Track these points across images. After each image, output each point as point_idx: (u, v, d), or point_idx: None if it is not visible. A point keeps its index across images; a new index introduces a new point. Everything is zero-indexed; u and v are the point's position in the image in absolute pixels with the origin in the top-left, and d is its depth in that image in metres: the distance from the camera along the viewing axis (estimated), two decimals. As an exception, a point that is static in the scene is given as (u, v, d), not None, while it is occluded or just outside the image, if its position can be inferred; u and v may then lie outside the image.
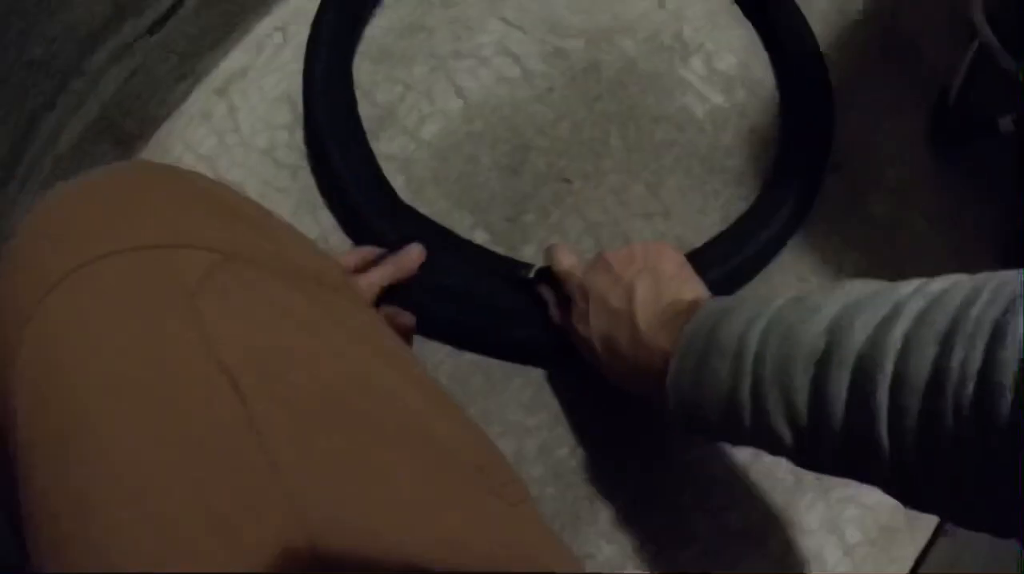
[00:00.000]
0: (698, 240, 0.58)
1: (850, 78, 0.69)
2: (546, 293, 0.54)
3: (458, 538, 0.29)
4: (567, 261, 0.51)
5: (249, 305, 0.30)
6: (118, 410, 0.26)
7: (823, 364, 0.32)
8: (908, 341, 0.30)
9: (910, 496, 0.32)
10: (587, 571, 0.37)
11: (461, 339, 0.56)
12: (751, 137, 0.62)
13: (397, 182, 0.58)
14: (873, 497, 0.61)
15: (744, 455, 0.59)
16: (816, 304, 0.34)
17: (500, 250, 0.56)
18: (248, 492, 0.26)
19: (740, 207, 0.60)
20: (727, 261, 0.57)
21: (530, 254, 0.58)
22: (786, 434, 0.35)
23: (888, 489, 0.33)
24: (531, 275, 0.54)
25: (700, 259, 0.56)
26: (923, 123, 0.70)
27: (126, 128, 0.67)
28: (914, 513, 0.61)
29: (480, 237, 0.57)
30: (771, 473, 0.59)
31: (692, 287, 0.45)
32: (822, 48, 0.68)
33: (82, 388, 0.26)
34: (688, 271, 0.47)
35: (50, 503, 0.26)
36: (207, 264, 0.30)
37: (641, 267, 0.46)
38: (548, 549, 0.34)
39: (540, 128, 0.59)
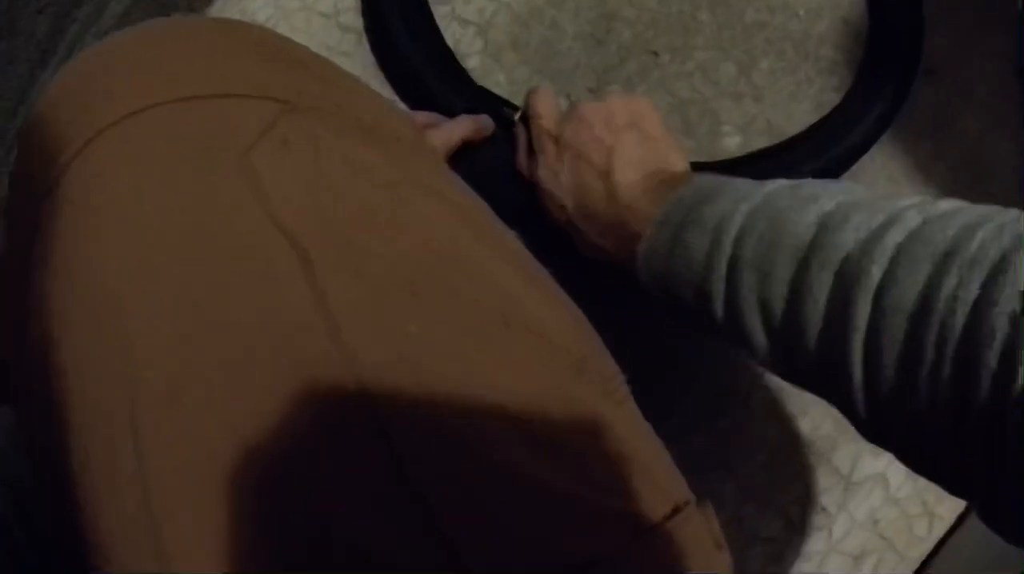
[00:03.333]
0: (789, 125, 0.55)
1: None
2: (520, 137, 0.47)
3: (560, 440, 0.25)
4: (543, 106, 0.46)
5: (315, 161, 0.26)
6: (152, 291, 0.22)
7: (807, 259, 0.29)
8: (900, 253, 0.26)
9: (874, 427, 0.29)
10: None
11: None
12: (844, 28, 0.59)
13: (475, 46, 0.54)
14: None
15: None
16: (812, 194, 0.31)
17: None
18: (316, 385, 0.22)
19: (832, 97, 0.57)
20: (820, 154, 0.54)
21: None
22: (757, 328, 0.31)
23: (854, 417, 0.30)
24: (516, 118, 0.48)
25: (792, 151, 0.54)
26: (1013, 45, 0.67)
27: (177, 1, 0.63)
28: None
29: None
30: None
31: (679, 157, 0.41)
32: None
33: (112, 266, 0.23)
34: (672, 138, 0.42)
35: (83, 397, 0.22)
36: (266, 115, 0.26)
37: (624, 124, 0.41)
38: (652, 452, 0.30)
39: (627, -2, 0.56)
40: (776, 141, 0.54)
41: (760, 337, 0.32)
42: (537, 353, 0.27)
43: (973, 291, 0.23)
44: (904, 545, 0.58)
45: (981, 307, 0.23)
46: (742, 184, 0.34)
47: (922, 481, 0.60)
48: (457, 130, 0.46)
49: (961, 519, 0.60)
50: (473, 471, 0.23)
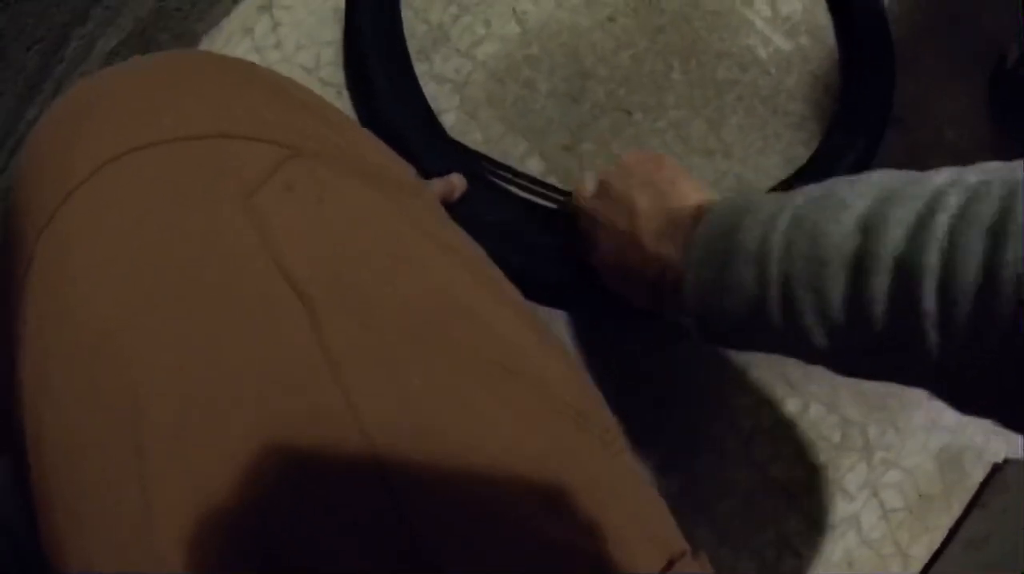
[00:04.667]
0: (758, 181, 0.56)
1: (913, 36, 0.67)
2: (566, 227, 0.50)
3: (563, 493, 0.25)
4: (585, 192, 0.47)
5: (319, 205, 0.25)
6: (153, 325, 0.22)
7: (859, 268, 0.29)
8: (952, 238, 0.27)
9: (958, 398, 0.30)
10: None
11: None
12: (813, 83, 0.60)
13: (451, 103, 0.56)
14: (914, 459, 0.61)
15: (791, 407, 0.58)
16: (841, 199, 0.31)
17: (554, 180, 0.54)
18: (315, 423, 0.22)
19: (800, 151, 0.58)
20: None
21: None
22: (821, 341, 0.32)
23: (936, 391, 0.30)
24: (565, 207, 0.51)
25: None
26: (983, 88, 0.68)
27: (161, 43, 0.64)
28: (952, 481, 0.62)
29: (534, 165, 0.55)
30: (816, 428, 0.58)
31: (694, 192, 0.41)
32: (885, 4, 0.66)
33: (112, 299, 0.22)
34: (687, 177, 0.43)
35: (85, 432, 0.22)
36: (271, 158, 0.25)
37: (638, 181, 0.43)
38: (648, 504, 0.31)
39: (601, 56, 0.57)
40: (746, 196, 0.55)
41: (822, 345, 0.32)
42: (539, 403, 0.27)
43: None
44: (879, 586, 0.59)
45: None
46: (763, 205, 0.34)
47: (894, 522, 0.62)
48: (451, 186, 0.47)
49: (935, 558, 0.61)
50: (475, 523, 0.23)
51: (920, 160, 0.63)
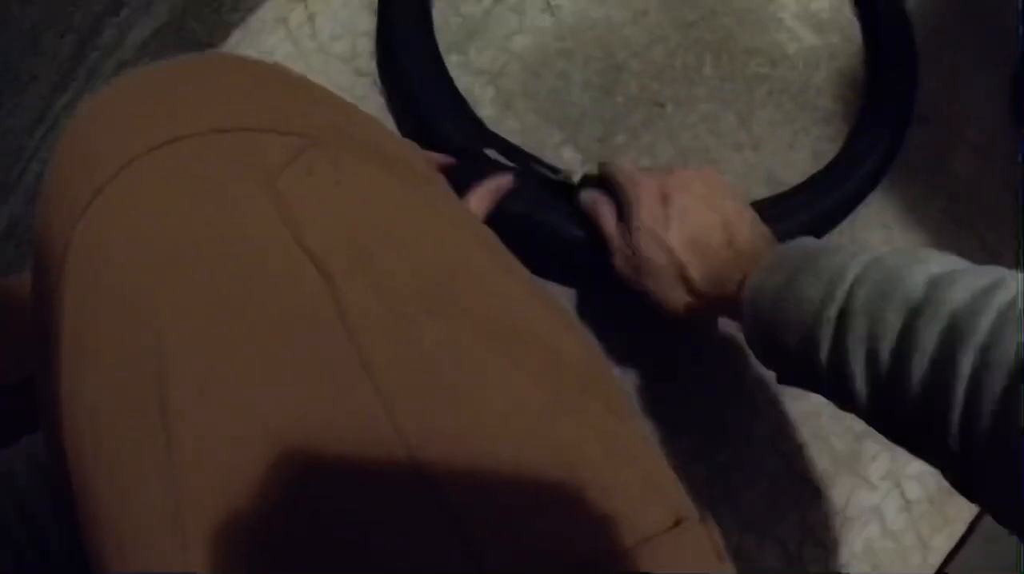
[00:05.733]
0: (786, 175, 0.57)
1: (937, 34, 0.68)
2: (599, 201, 0.48)
3: (571, 449, 0.26)
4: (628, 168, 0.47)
5: (338, 186, 0.27)
6: (181, 292, 0.23)
7: (916, 311, 0.31)
8: (1006, 311, 0.29)
9: (968, 482, 0.32)
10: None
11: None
12: (841, 79, 0.61)
13: (487, 94, 0.57)
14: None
15: (815, 398, 0.59)
16: (923, 257, 0.34)
17: (588, 170, 0.55)
18: (335, 392, 0.23)
19: (828, 146, 0.59)
20: (816, 204, 0.56)
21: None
22: (861, 380, 0.34)
23: (947, 470, 0.32)
24: (576, 180, 0.50)
25: (789, 202, 0.56)
26: (1006, 86, 0.69)
27: (196, 34, 0.65)
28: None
29: (568, 154, 0.56)
30: (840, 419, 0.58)
31: (759, 234, 0.43)
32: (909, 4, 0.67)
33: (142, 269, 0.24)
34: (750, 216, 0.45)
35: (113, 391, 0.23)
36: (290, 148, 0.27)
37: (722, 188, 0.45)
38: (656, 466, 0.31)
39: (633, 50, 0.58)
40: (775, 189, 0.56)
41: (861, 385, 0.34)
42: (547, 367, 0.28)
43: None
44: (900, 577, 0.60)
45: None
46: (851, 245, 0.37)
47: (916, 514, 0.62)
48: (485, 201, 0.48)
49: (956, 550, 0.62)
50: (488, 475, 0.24)
51: (943, 157, 0.64)
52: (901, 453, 0.61)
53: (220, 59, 0.31)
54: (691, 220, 0.44)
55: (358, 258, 0.26)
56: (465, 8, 0.61)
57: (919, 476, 0.61)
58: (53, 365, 0.25)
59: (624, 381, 0.58)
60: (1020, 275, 0.32)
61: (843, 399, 0.36)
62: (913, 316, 0.32)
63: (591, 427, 0.28)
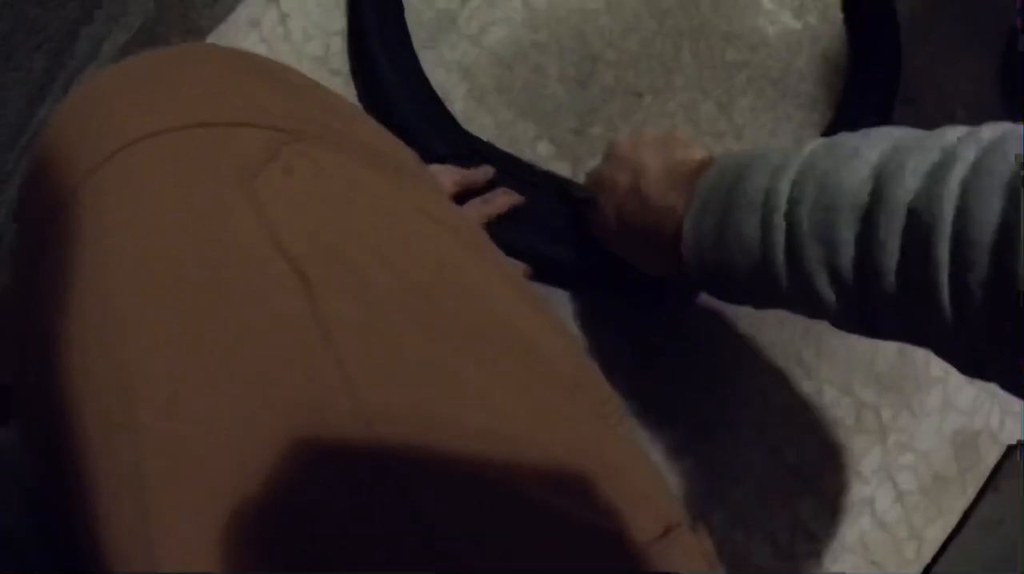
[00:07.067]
0: (769, 163, 0.56)
1: (924, 14, 0.66)
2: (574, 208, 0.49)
3: (555, 460, 0.25)
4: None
5: (317, 186, 0.26)
6: (159, 304, 0.23)
7: (870, 217, 0.29)
8: (967, 191, 0.26)
9: (972, 362, 0.29)
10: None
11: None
12: (823, 63, 0.60)
13: (459, 90, 0.56)
14: (928, 442, 0.60)
15: (805, 389, 0.58)
16: (853, 148, 0.30)
17: (564, 164, 0.54)
18: (311, 398, 0.22)
19: (811, 133, 0.58)
20: None
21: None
22: (829, 295, 0.31)
23: (947, 354, 0.30)
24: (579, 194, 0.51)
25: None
26: (994, 65, 0.68)
27: (170, 40, 0.65)
28: (966, 464, 0.62)
29: (544, 149, 0.55)
30: (831, 411, 0.58)
31: (703, 150, 0.41)
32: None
33: (117, 286, 0.23)
34: (699, 143, 0.42)
35: (86, 409, 0.22)
36: (270, 144, 0.26)
37: (647, 143, 0.43)
38: (644, 473, 0.31)
39: (609, 40, 0.57)
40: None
41: (831, 300, 0.32)
42: (531, 376, 0.27)
43: None
44: (894, 569, 0.59)
45: None
46: (771, 155, 0.34)
47: (909, 505, 0.61)
48: (498, 203, 0.47)
49: (949, 541, 0.61)
50: (470, 491, 0.23)
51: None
52: (893, 444, 0.61)
53: (198, 50, 0.30)
54: (609, 202, 0.43)
55: (336, 263, 0.25)
56: (439, 2, 0.60)
57: (912, 467, 0.60)
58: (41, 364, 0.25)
59: (610, 377, 0.58)
60: (968, 132, 0.29)
61: (813, 314, 0.34)
62: (867, 224, 0.29)
63: (578, 437, 0.27)
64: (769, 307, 0.37)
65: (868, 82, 0.59)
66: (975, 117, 0.68)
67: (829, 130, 0.58)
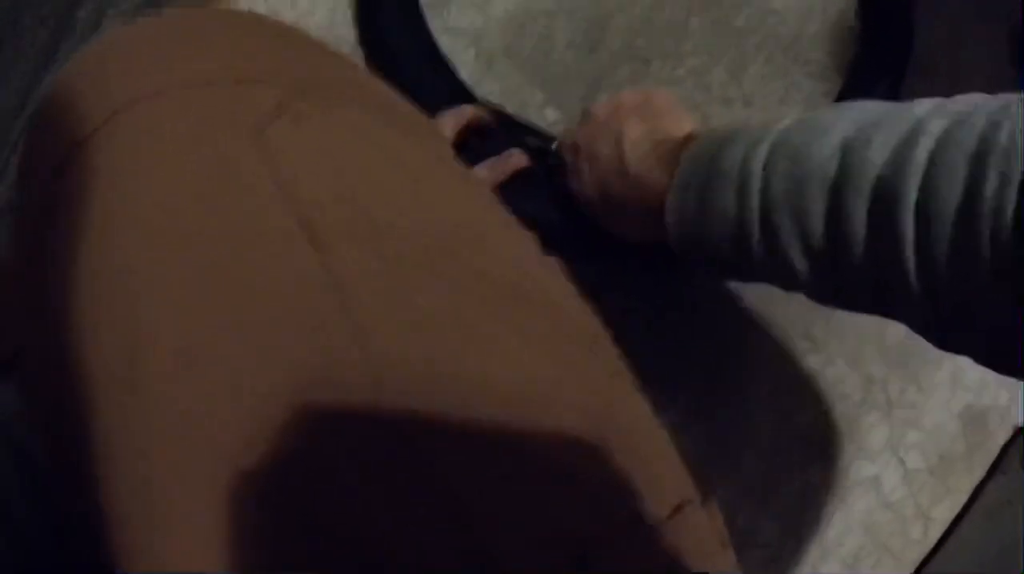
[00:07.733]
0: (779, 131, 0.55)
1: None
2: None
3: (573, 424, 0.25)
4: (568, 124, 0.47)
5: (330, 136, 0.26)
6: (168, 257, 0.22)
7: (838, 189, 0.29)
8: (933, 163, 0.27)
9: (940, 333, 0.30)
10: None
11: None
12: (834, 30, 0.59)
13: (467, 56, 0.55)
14: (936, 418, 0.59)
15: (813, 363, 0.57)
16: (825, 124, 0.31)
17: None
18: (326, 360, 0.22)
19: (821, 101, 0.57)
20: None
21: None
22: (802, 266, 0.32)
23: (916, 325, 0.30)
24: (553, 147, 0.49)
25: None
26: (1007, 32, 0.67)
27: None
28: (974, 442, 0.61)
29: (551, 115, 0.54)
30: (838, 385, 0.57)
31: (686, 122, 0.41)
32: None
33: (126, 242, 0.23)
34: (681, 110, 0.42)
35: (93, 376, 0.22)
36: (281, 98, 0.25)
37: (631, 108, 0.42)
38: (658, 446, 0.30)
39: (618, 5, 0.56)
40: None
41: (804, 271, 0.32)
42: (551, 329, 0.27)
43: (1015, 185, 0.24)
44: (900, 548, 0.58)
45: None
46: (750, 130, 0.34)
47: (916, 484, 0.61)
48: (511, 164, 0.46)
49: (957, 521, 0.60)
50: (484, 449, 0.23)
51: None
52: (900, 421, 0.60)
53: (210, 11, 0.31)
54: (593, 171, 0.42)
55: (350, 213, 0.24)
56: (446, -32, 0.59)
57: (919, 445, 0.59)
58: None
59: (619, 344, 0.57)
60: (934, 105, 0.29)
61: (787, 285, 0.34)
62: (835, 194, 0.29)
63: (597, 397, 0.27)
64: (751, 281, 0.38)
65: (880, 49, 0.59)
66: (992, 85, 0.68)
67: (840, 98, 0.57)
